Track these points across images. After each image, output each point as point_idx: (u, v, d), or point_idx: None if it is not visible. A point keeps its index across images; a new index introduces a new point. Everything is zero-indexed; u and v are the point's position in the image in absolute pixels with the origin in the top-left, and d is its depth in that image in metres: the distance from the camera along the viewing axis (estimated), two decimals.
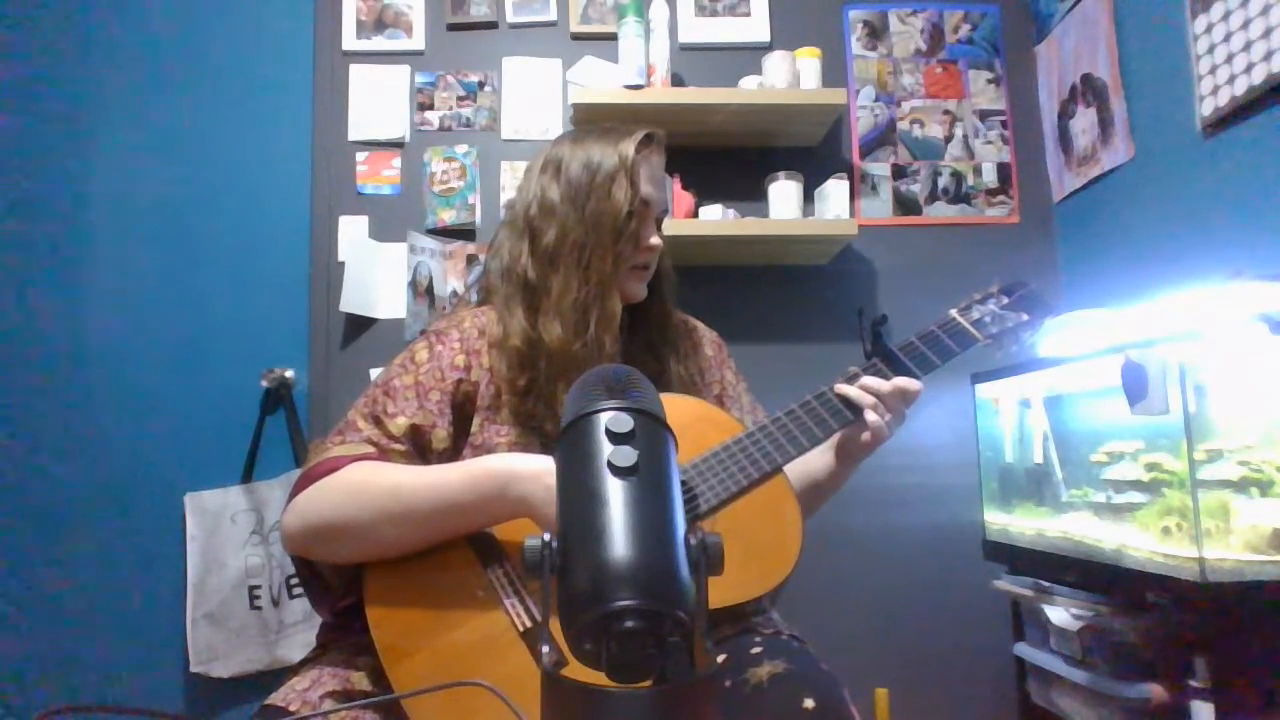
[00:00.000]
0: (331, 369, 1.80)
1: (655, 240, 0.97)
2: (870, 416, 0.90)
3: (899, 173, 1.92)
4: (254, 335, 1.80)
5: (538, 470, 0.77)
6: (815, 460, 0.99)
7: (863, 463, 0.99)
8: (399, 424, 0.87)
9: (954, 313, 1.01)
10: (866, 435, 0.91)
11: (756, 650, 0.78)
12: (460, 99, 1.89)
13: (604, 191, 0.93)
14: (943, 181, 1.92)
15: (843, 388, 0.92)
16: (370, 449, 0.85)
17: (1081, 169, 1.78)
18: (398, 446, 0.86)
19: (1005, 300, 1.03)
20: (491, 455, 0.82)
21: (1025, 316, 1.01)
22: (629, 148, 0.94)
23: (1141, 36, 1.59)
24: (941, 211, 1.92)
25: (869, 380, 0.92)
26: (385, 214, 1.84)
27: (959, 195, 1.92)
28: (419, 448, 0.88)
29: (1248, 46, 1.30)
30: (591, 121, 1.08)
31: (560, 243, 0.93)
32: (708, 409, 0.93)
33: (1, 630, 1.69)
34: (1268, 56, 1.26)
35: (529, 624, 0.77)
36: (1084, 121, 1.77)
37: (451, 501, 0.79)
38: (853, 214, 1.81)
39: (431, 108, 1.89)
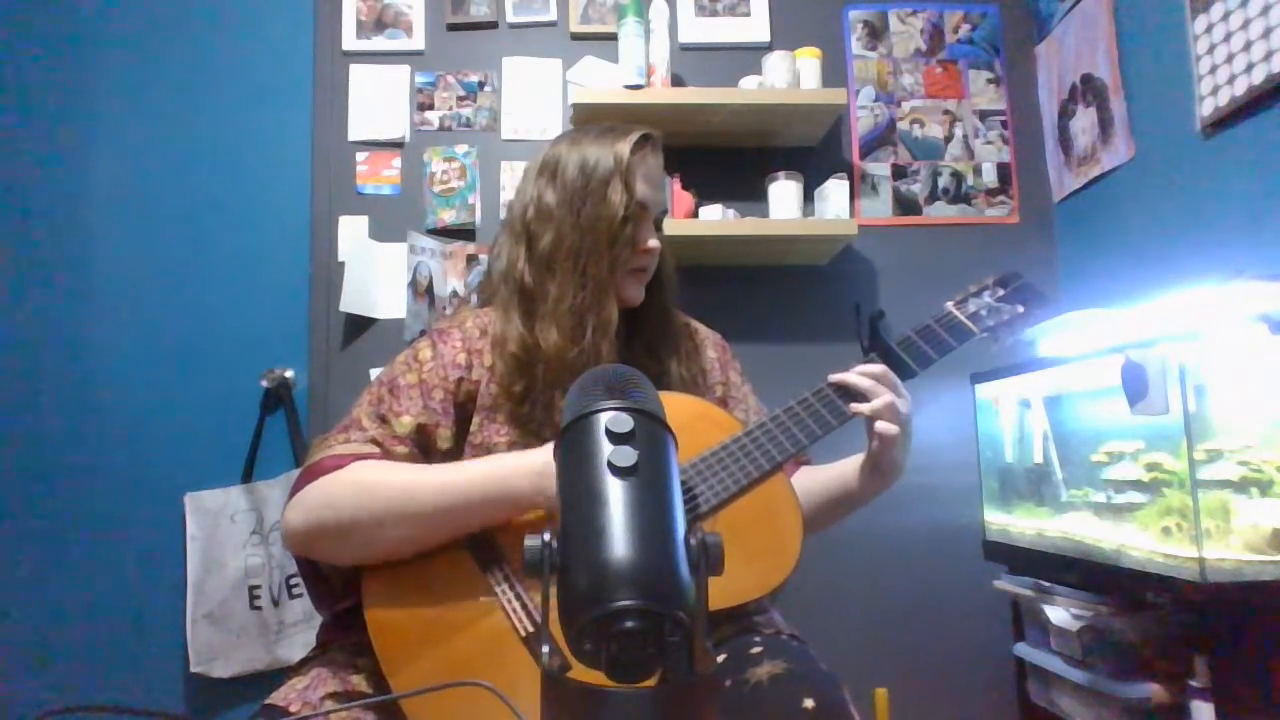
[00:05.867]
0: (331, 369, 1.80)
1: (653, 242, 0.96)
2: (871, 400, 0.89)
3: (899, 173, 1.92)
4: (254, 335, 1.80)
5: (542, 465, 0.78)
6: (848, 472, 0.97)
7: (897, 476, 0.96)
8: (405, 423, 0.87)
9: (950, 306, 1.01)
10: (876, 444, 0.89)
11: (756, 650, 0.78)
12: (460, 99, 1.89)
13: (599, 195, 0.92)
14: (943, 181, 1.92)
15: (839, 376, 0.92)
16: (374, 448, 0.85)
17: (1081, 169, 1.78)
18: (401, 448, 0.86)
19: (1001, 292, 1.03)
20: (502, 455, 0.83)
21: (1021, 309, 1.01)
22: (624, 149, 0.93)
23: (1141, 36, 1.59)
24: (941, 211, 1.92)
25: (863, 368, 0.92)
26: (385, 214, 1.84)
27: (959, 195, 1.92)
28: (423, 447, 0.88)
29: (1248, 46, 1.30)
30: (592, 122, 1.08)
31: (556, 247, 0.93)
32: (707, 407, 0.93)
33: (2, 630, 1.69)
34: (1268, 56, 1.26)
35: (530, 628, 0.77)
36: (1084, 121, 1.77)
37: (466, 499, 0.79)
38: (853, 214, 1.80)
39: (431, 108, 1.89)
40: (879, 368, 0.91)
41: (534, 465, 0.79)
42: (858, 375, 0.91)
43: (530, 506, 0.79)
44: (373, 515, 0.79)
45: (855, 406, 0.90)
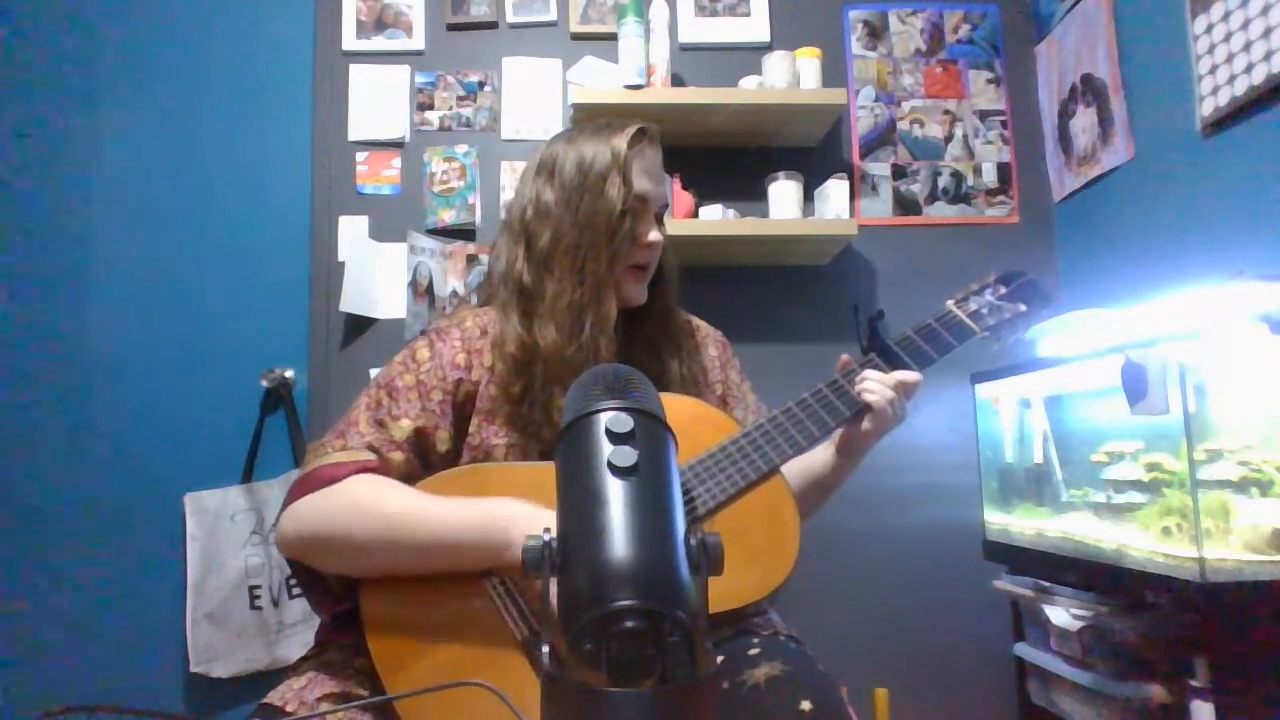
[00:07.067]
0: (331, 369, 1.80)
1: (654, 236, 0.96)
2: (874, 401, 0.90)
3: (899, 173, 1.92)
4: (254, 335, 1.80)
5: (546, 521, 0.76)
6: (817, 457, 0.99)
7: (863, 462, 0.98)
8: (403, 426, 0.87)
9: (951, 304, 1.00)
10: (867, 425, 0.91)
11: (754, 652, 0.78)
12: (460, 99, 1.89)
13: (597, 190, 0.92)
14: (943, 181, 1.92)
15: (875, 378, 0.92)
16: (370, 455, 0.84)
17: (1081, 169, 1.78)
18: (398, 454, 0.86)
19: (1003, 290, 1.02)
20: (498, 501, 0.80)
21: (1023, 307, 1.00)
22: (621, 143, 0.93)
23: (1141, 36, 1.59)
24: (941, 211, 1.91)
25: (871, 373, 0.92)
26: (385, 214, 1.84)
27: (959, 195, 1.92)
28: (421, 452, 0.88)
29: (1248, 46, 1.30)
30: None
31: (555, 245, 0.92)
32: (705, 409, 0.93)
33: (2, 630, 1.69)
34: (1268, 56, 1.26)
35: (526, 632, 0.77)
36: (1084, 121, 1.77)
37: (454, 541, 0.78)
38: (853, 214, 1.81)
39: (431, 108, 1.89)
40: (914, 377, 0.92)
41: (535, 520, 0.76)
42: (880, 383, 0.91)
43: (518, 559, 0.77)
44: (364, 539, 0.78)
45: (868, 395, 0.91)
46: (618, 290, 0.94)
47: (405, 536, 0.78)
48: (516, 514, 0.77)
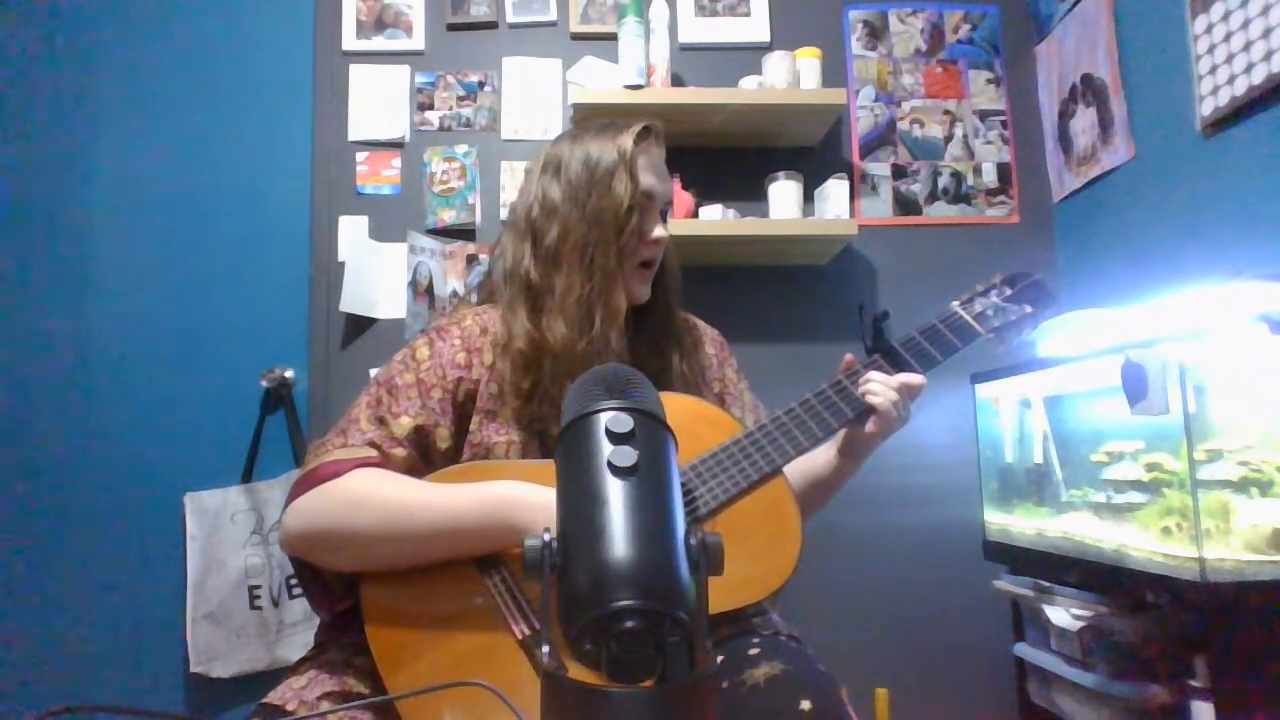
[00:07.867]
0: (331, 369, 1.80)
1: (660, 233, 0.97)
2: (878, 402, 0.90)
3: (899, 173, 1.92)
4: (254, 335, 1.80)
5: (545, 501, 0.76)
6: (819, 457, 0.99)
7: (863, 462, 0.98)
8: (403, 424, 0.87)
9: (956, 305, 1.00)
10: (871, 426, 0.91)
11: (754, 651, 0.78)
12: (460, 99, 1.89)
13: (604, 187, 0.93)
14: (943, 181, 1.92)
15: (877, 380, 0.92)
16: (372, 452, 0.85)
17: (1081, 169, 1.78)
18: (399, 450, 0.86)
19: (1008, 291, 1.01)
20: (501, 482, 0.81)
21: (1029, 309, 1.00)
22: (627, 141, 0.94)
23: (1141, 36, 1.59)
24: (941, 211, 1.91)
25: (874, 374, 0.92)
26: (385, 214, 1.84)
27: (959, 195, 1.92)
28: (422, 449, 0.88)
29: (1248, 46, 1.30)
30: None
31: (562, 242, 0.93)
32: (706, 408, 0.93)
33: (2, 630, 1.69)
34: (1268, 56, 1.26)
35: (527, 631, 0.77)
36: (1084, 121, 1.77)
37: (456, 526, 0.78)
38: (853, 214, 1.81)
39: (431, 108, 1.89)
40: (918, 380, 0.92)
41: (539, 500, 0.77)
42: (884, 385, 0.91)
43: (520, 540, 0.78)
44: (367, 531, 0.79)
45: (871, 397, 0.91)
46: (624, 287, 0.95)
47: (406, 525, 0.78)
48: (517, 495, 0.78)
